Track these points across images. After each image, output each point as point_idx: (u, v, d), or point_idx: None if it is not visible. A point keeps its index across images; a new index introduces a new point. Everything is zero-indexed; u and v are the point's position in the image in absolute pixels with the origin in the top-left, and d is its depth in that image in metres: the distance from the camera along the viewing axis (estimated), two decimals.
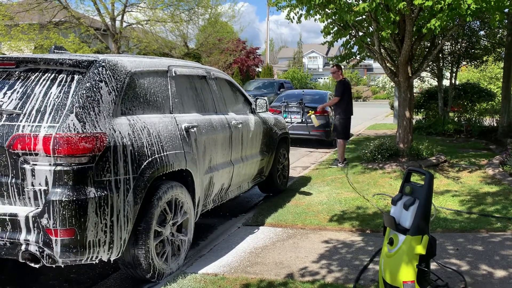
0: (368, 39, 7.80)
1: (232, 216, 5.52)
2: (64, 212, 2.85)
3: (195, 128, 4.05)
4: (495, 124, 13.28)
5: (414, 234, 2.75)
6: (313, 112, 9.39)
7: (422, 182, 2.88)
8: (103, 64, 3.30)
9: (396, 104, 14.23)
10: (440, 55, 13.39)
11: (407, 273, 2.74)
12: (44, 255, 2.90)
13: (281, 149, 6.31)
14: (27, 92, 3.15)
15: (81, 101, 3.06)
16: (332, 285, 3.34)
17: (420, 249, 2.74)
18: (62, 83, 3.17)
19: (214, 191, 4.51)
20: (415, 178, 5.75)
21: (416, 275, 2.74)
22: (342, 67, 8.65)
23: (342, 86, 8.21)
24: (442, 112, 13.92)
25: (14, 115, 3.04)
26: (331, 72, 8.47)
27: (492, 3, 5.73)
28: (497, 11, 6.00)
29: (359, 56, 8.59)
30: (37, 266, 2.97)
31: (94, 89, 3.16)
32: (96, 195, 2.96)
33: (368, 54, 8.31)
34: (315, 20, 7.25)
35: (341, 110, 8.21)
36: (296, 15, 7.39)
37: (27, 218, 2.88)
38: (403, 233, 2.81)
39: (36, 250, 2.90)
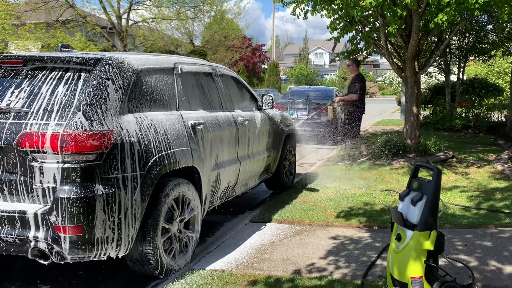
0: (375, 35, 7.75)
1: (239, 212, 5.53)
2: (72, 209, 2.87)
3: (201, 125, 4.06)
4: (504, 119, 13.18)
5: (422, 229, 2.74)
6: (331, 103, 9.18)
7: (430, 178, 2.86)
8: (109, 61, 3.31)
9: (403, 99, 14.15)
10: (448, 50, 13.29)
11: (415, 269, 2.72)
12: (53, 252, 2.92)
13: (287, 145, 6.30)
14: (35, 90, 3.16)
15: (88, 99, 3.07)
16: (340, 281, 3.33)
17: (428, 245, 2.72)
18: (69, 81, 3.19)
19: (221, 188, 4.51)
20: (423, 174, 5.72)
21: (424, 271, 2.73)
22: (359, 63, 8.50)
23: (361, 82, 7.96)
24: (450, 108, 13.83)
25: (22, 113, 3.06)
26: (349, 64, 8.32)
27: None
28: (505, 4, 5.93)
29: (365, 51, 8.54)
30: (46, 263, 2.99)
31: (101, 87, 3.17)
32: (104, 192, 2.97)
33: (374, 49, 8.26)
34: (321, 16, 7.23)
35: (354, 107, 7.92)
36: (302, 11, 7.36)
37: (35, 215, 2.90)
38: (411, 228, 2.79)
39: (45, 247, 2.92)
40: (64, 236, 2.89)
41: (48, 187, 2.92)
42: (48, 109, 3.05)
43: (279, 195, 6.10)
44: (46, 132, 2.93)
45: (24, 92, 3.17)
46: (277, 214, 5.11)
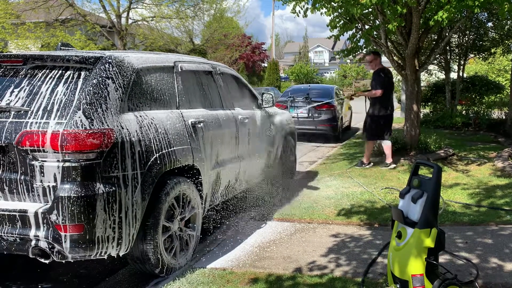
0: (375, 32, 7.75)
1: (240, 211, 5.53)
2: (73, 208, 2.87)
3: (201, 124, 4.05)
4: (504, 117, 13.18)
5: (422, 227, 2.74)
6: (350, 95, 8.30)
7: (430, 175, 2.86)
8: (109, 60, 3.30)
9: (403, 97, 14.15)
10: (448, 47, 13.28)
11: (416, 266, 2.72)
12: (54, 251, 2.92)
13: (288, 143, 6.30)
14: (35, 89, 3.16)
15: (88, 97, 3.07)
16: (341, 279, 3.33)
17: (429, 242, 2.72)
18: (69, 80, 3.18)
19: (222, 186, 4.51)
20: (423, 171, 5.72)
21: (425, 268, 2.73)
22: (380, 55, 7.53)
23: (383, 76, 7.05)
24: (450, 105, 13.83)
25: (22, 112, 3.06)
26: (368, 60, 7.35)
27: None
28: (505, 1, 5.92)
29: (365, 49, 8.53)
30: (47, 261, 2.99)
31: (101, 85, 3.16)
32: (104, 191, 2.97)
33: (374, 47, 8.25)
34: (321, 14, 7.22)
35: (377, 106, 7.09)
36: (301, 9, 7.35)
37: (36, 214, 2.90)
38: (411, 226, 2.79)
39: (46, 246, 2.92)
40: (65, 235, 2.89)
41: (48, 186, 2.92)
42: (48, 108, 3.04)
43: (280, 193, 6.09)
44: (47, 131, 2.92)
45: (24, 91, 3.17)
46: (277, 212, 5.11)
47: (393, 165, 7.14)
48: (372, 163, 7.39)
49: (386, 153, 7.24)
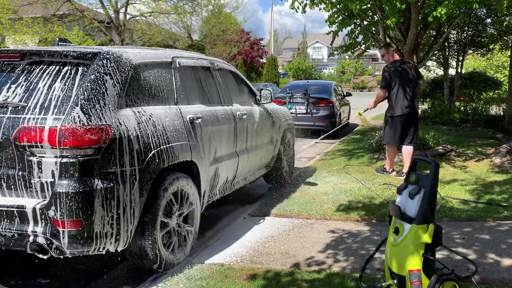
0: (373, 28, 7.74)
1: (238, 206, 5.54)
2: (70, 204, 2.87)
3: (200, 120, 4.05)
4: (502, 113, 13.20)
5: (419, 223, 2.74)
6: (362, 111, 7.16)
7: (428, 171, 2.87)
8: (107, 56, 3.29)
9: None
10: (446, 43, 13.29)
11: (413, 262, 2.73)
12: (52, 247, 2.92)
13: (286, 140, 6.30)
14: (32, 85, 3.15)
15: (86, 93, 3.06)
16: (339, 275, 3.34)
17: (426, 238, 2.73)
18: (66, 76, 3.17)
19: (220, 182, 4.51)
20: (421, 167, 5.73)
21: (422, 263, 2.74)
22: (392, 47, 6.65)
23: (387, 72, 6.26)
24: (448, 102, 13.86)
25: (19, 108, 3.05)
26: (380, 55, 6.66)
27: None
28: None
29: (364, 45, 8.53)
30: (45, 257, 2.99)
31: (99, 81, 3.16)
32: (102, 187, 2.97)
33: (373, 43, 8.24)
34: (319, 9, 7.21)
35: (391, 105, 6.32)
36: (300, 4, 7.35)
37: (34, 210, 2.90)
38: (409, 222, 2.80)
39: (44, 242, 2.92)
40: (63, 231, 2.89)
41: (46, 181, 2.92)
42: (46, 103, 3.03)
43: (278, 189, 6.11)
44: (44, 126, 2.92)
45: (22, 86, 3.16)
46: (275, 208, 5.12)
47: (392, 173, 6.51)
48: (395, 172, 6.54)
49: (405, 162, 6.29)
